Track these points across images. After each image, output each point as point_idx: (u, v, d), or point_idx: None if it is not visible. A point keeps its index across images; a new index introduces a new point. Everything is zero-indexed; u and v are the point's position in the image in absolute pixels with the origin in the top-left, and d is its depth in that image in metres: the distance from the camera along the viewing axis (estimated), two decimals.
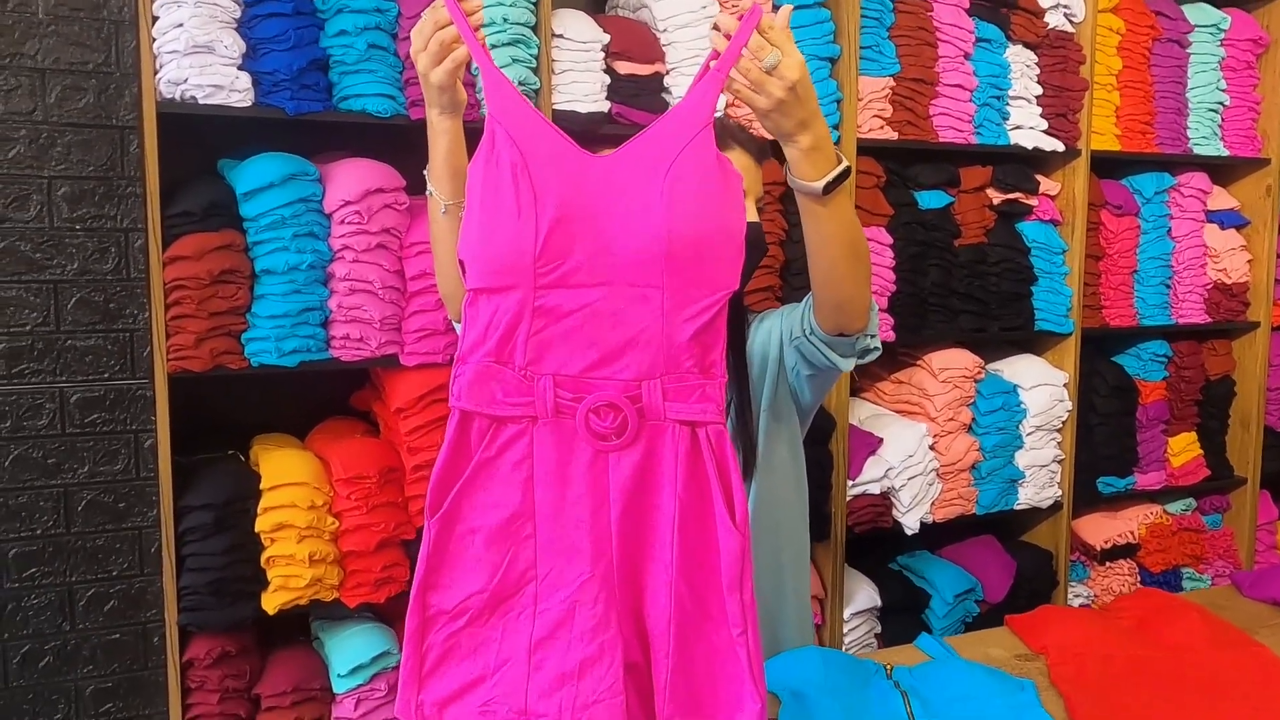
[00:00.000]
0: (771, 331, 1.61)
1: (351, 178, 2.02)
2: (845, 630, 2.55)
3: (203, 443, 2.12)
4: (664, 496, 1.11)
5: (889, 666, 1.54)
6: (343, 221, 2.01)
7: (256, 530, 1.99)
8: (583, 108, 2.20)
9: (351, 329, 2.04)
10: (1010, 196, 2.72)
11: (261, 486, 2.01)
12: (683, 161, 1.08)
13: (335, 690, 2.08)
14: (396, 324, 2.09)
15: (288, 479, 2.02)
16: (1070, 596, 2.90)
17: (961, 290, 2.65)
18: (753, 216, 1.49)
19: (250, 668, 2.05)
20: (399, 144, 2.08)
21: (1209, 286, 3.06)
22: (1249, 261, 3.12)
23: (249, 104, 1.93)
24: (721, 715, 1.10)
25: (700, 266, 1.09)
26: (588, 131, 2.22)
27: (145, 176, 1.86)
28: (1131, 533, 2.96)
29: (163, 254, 1.90)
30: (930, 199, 2.60)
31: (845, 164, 1.28)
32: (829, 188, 1.27)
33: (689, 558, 1.10)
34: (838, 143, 2.44)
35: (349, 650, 2.10)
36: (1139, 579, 2.99)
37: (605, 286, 1.09)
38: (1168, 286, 3.00)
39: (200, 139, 2.03)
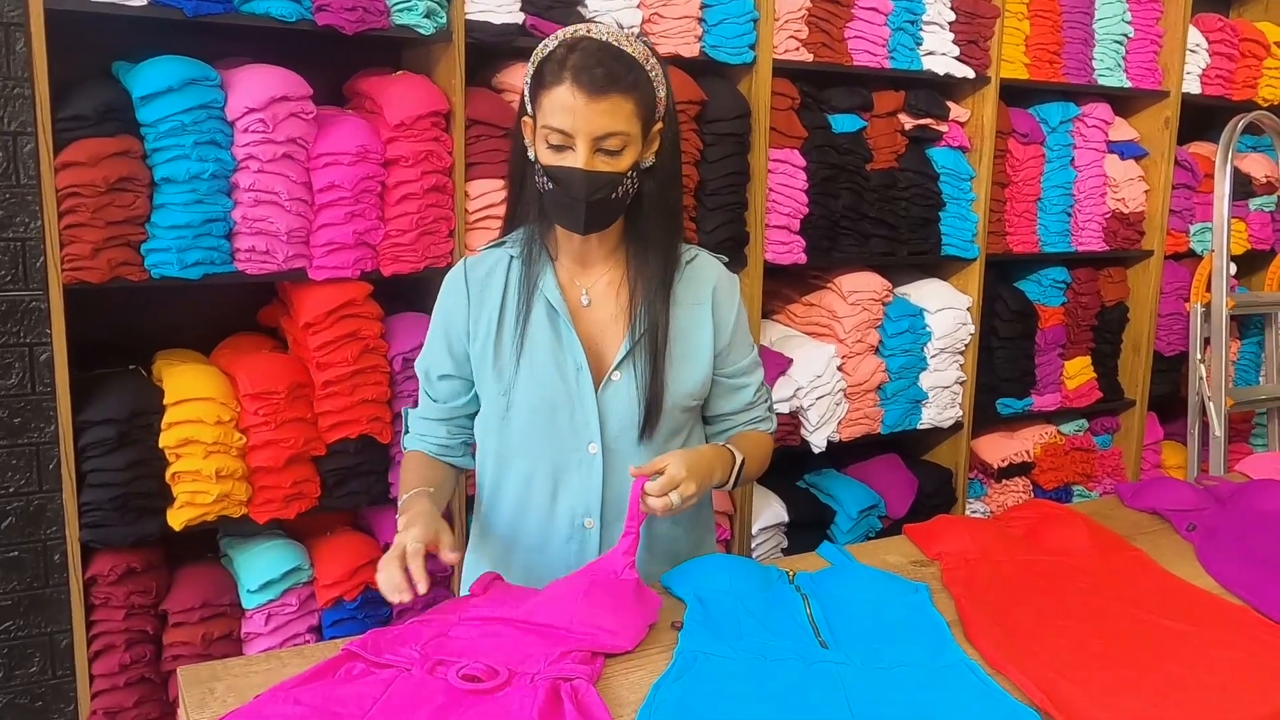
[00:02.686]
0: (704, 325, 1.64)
1: (255, 84, 1.95)
2: (753, 545, 2.62)
3: (103, 358, 2.06)
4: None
5: (791, 572, 1.59)
6: (247, 130, 1.95)
7: (161, 446, 1.96)
8: (496, 19, 2.16)
9: (257, 241, 2.00)
10: (921, 122, 2.76)
11: (165, 402, 1.97)
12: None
13: (245, 606, 2.07)
14: (304, 237, 2.05)
15: (193, 394, 1.99)
16: (968, 512, 3.02)
17: (872, 215, 2.70)
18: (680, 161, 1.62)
19: (157, 584, 2.03)
20: (304, 51, 2.02)
21: (1107, 215, 3.16)
22: (1146, 192, 3.22)
23: (145, 3, 1.85)
24: None
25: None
26: (501, 44, 2.18)
27: (34, 77, 1.78)
28: (1027, 452, 3.08)
29: (54, 159, 1.82)
30: (844, 123, 2.63)
31: (739, 459, 1.60)
32: (737, 480, 1.60)
33: None
34: (753, 64, 2.44)
35: (258, 566, 2.09)
36: (1033, 495, 3.12)
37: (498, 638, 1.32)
38: (1069, 215, 3.09)
39: (93, 40, 1.94)
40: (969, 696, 1.25)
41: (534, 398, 1.55)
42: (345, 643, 1.26)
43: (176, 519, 1.98)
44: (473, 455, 1.67)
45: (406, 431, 1.67)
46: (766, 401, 1.74)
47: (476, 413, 1.64)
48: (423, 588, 1.29)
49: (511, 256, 1.59)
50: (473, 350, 1.58)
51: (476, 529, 1.71)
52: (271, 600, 2.09)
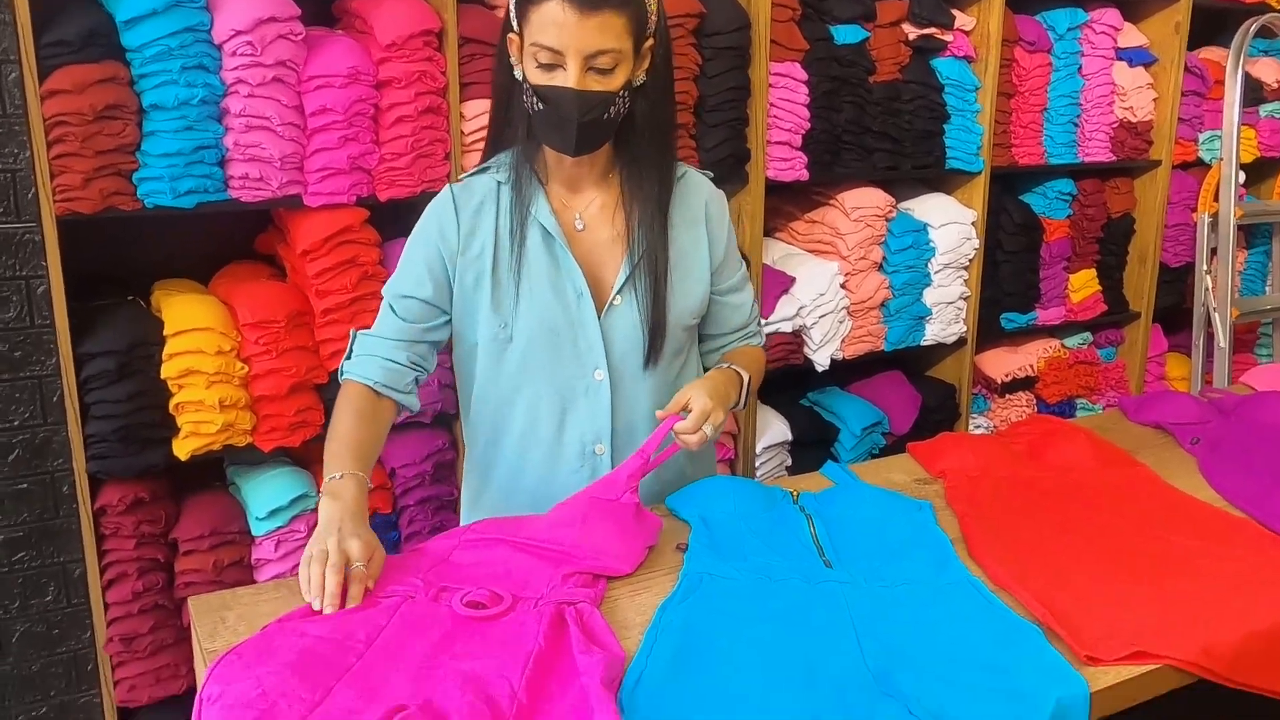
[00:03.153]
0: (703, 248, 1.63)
1: (241, 5, 1.90)
2: (757, 464, 2.63)
3: (100, 289, 2.05)
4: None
5: (795, 492, 1.59)
6: (235, 53, 1.90)
7: (163, 377, 1.96)
8: None
9: (250, 168, 1.97)
10: (926, 32, 2.69)
11: (165, 332, 1.96)
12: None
13: (254, 533, 2.09)
14: (298, 163, 2.02)
15: (192, 324, 1.97)
16: (971, 427, 3.02)
17: (875, 128, 2.65)
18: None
19: (165, 513, 2.05)
20: None
21: (1115, 125, 3.10)
22: (1154, 100, 3.16)
23: None
24: None
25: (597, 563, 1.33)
26: None
27: (14, 2, 1.73)
28: (1031, 366, 3.08)
29: (39, 87, 1.78)
30: (846, 34, 2.56)
31: (746, 377, 1.62)
32: (745, 399, 1.62)
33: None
34: None
35: (266, 493, 2.10)
36: (1036, 409, 3.13)
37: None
38: (1075, 125, 3.03)
39: None
40: (972, 613, 1.26)
41: (535, 327, 1.53)
42: None
43: (182, 449, 1.99)
44: (418, 396, 1.58)
45: (349, 356, 1.54)
46: (757, 316, 1.75)
47: (439, 345, 1.59)
48: (350, 605, 1.21)
49: (499, 183, 1.55)
50: (463, 282, 1.54)
51: (471, 487, 1.69)
52: (280, 527, 2.10)
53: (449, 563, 1.32)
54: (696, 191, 1.62)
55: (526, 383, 1.56)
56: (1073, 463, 1.72)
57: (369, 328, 1.57)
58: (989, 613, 1.26)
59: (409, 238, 1.57)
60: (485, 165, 1.58)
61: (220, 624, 1.25)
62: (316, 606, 1.19)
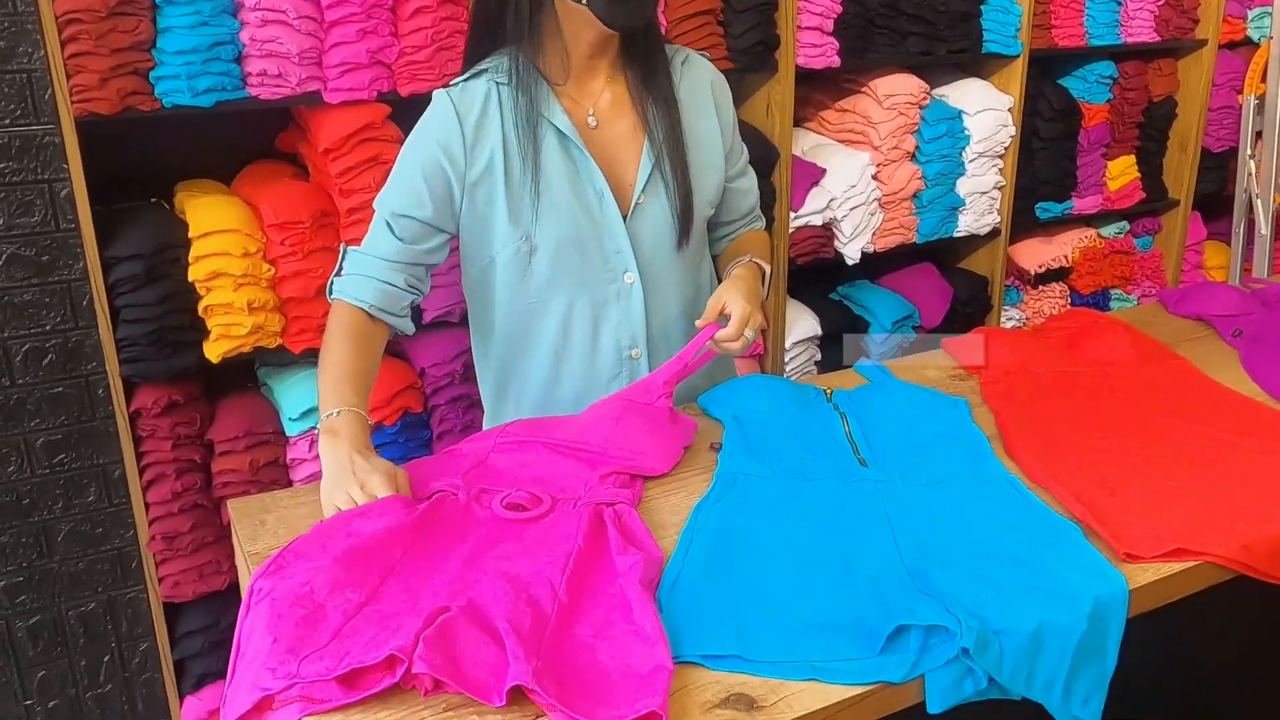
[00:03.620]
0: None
1: None
2: (786, 359, 2.62)
3: (122, 192, 2.03)
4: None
5: (828, 390, 1.58)
6: None
7: (190, 280, 1.95)
8: None
9: (268, 64, 1.92)
10: None
11: (190, 235, 1.95)
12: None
13: (287, 433, 2.11)
14: (316, 58, 1.96)
15: (217, 226, 1.95)
16: (1003, 319, 2.99)
17: (909, 11, 2.54)
18: None
19: (200, 415, 2.06)
20: None
21: (1160, 3, 2.97)
22: None
23: None
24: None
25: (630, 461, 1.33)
26: None
27: None
28: (1065, 256, 3.02)
29: None
30: None
31: (766, 269, 1.61)
32: (767, 292, 1.60)
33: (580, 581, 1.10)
34: None
35: (298, 395, 2.11)
36: (1069, 301, 3.08)
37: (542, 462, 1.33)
38: (1119, 3, 2.91)
39: None
40: (1009, 511, 1.26)
41: (558, 235, 1.48)
42: None
43: (213, 351, 1.99)
44: (413, 320, 1.52)
45: (340, 272, 1.46)
46: (758, 199, 1.72)
47: (436, 266, 1.51)
48: None
49: (498, 85, 1.47)
50: (473, 199, 1.47)
51: (494, 400, 1.65)
52: (313, 427, 2.11)
53: (487, 465, 1.32)
54: (701, 75, 1.58)
55: (555, 294, 1.52)
56: (1111, 357, 1.70)
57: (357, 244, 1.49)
58: (1026, 510, 1.26)
59: (404, 147, 1.48)
60: (478, 69, 1.49)
61: (260, 527, 1.27)
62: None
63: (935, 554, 1.16)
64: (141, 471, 2.02)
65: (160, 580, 2.09)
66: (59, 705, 2.21)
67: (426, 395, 2.24)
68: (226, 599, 2.14)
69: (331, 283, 1.47)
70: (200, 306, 1.97)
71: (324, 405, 1.32)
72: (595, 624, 1.03)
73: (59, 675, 2.20)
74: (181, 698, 2.19)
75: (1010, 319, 3.01)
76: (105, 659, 2.24)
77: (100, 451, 2.14)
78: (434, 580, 1.08)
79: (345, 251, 1.48)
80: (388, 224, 1.46)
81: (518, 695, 0.92)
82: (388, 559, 1.09)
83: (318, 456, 2.12)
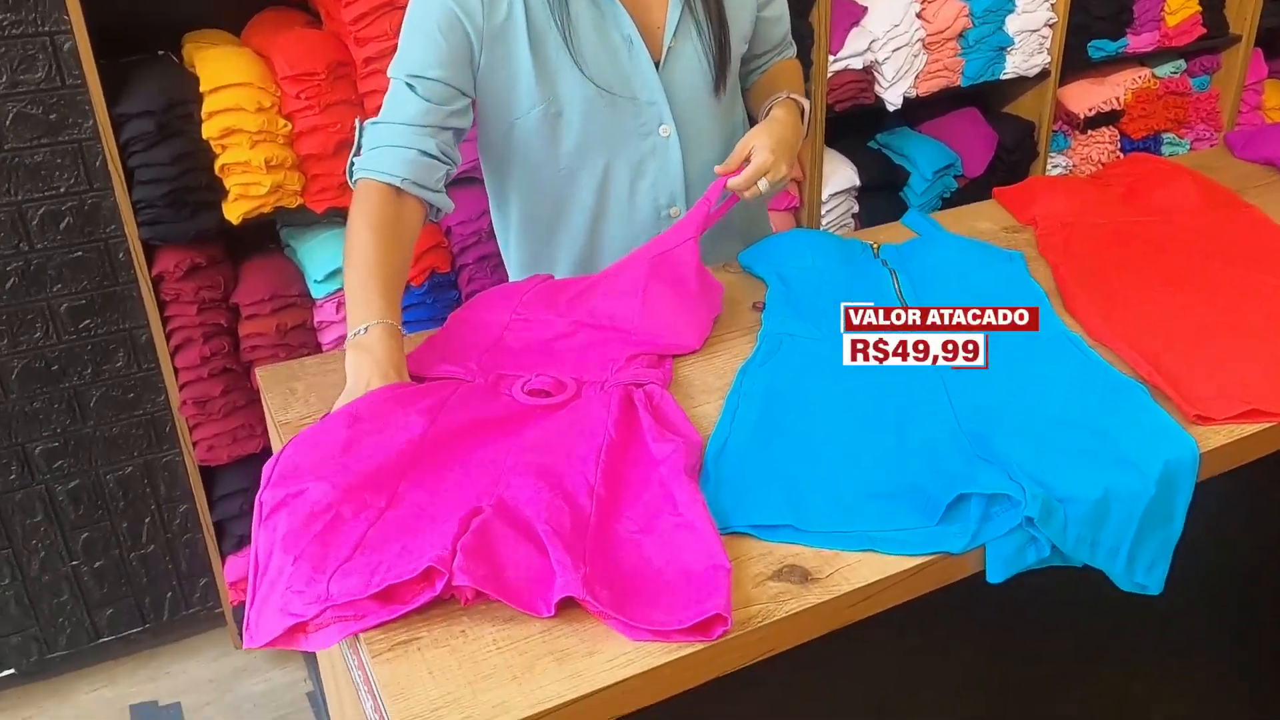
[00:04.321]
0: None
1: None
2: (823, 211, 2.52)
3: (128, 45, 1.92)
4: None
5: (875, 245, 1.51)
6: None
7: (205, 137, 1.87)
8: None
9: None
10: None
11: (202, 89, 1.86)
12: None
13: (314, 295, 2.07)
14: None
15: (230, 80, 1.86)
16: (1049, 168, 2.86)
17: None
18: None
19: (224, 278, 2.02)
20: None
21: None
22: None
23: None
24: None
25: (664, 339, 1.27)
26: None
27: None
28: (1117, 99, 2.87)
29: None
30: None
31: (805, 105, 1.52)
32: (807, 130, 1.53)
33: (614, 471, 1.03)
34: None
35: (322, 255, 2.06)
36: (1119, 146, 2.94)
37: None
38: None
39: None
40: (1072, 371, 1.20)
41: (590, 92, 1.37)
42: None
43: (232, 212, 1.93)
44: (448, 194, 1.37)
45: (359, 150, 1.30)
46: (789, 26, 1.62)
47: (463, 134, 1.38)
48: None
49: None
50: (493, 56, 1.34)
51: (522, 268, 1.56)
52: (340, 289, 2.07)
53: (502, 346, 1.25)
54: None
55: (586, 159, 1.42)
56: (1176, 205, 1.60)
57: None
58: (1090, 370, 1.20)
59: (411, 3, 1.34)
60: None
61: (290, 395, 1.23)
62: None
63: (994, 418, 1.11)
64: (168, 336, 1.99)
65: (195, 444, 2.09)
66: (105, 566, 2.25)
67: (454, 254, 2.18)
68: (262, 461, 2.12)
69: (351, 164, 1.30)
70: (216, 165, 1.89)
71: (351, 316, 1.18)
72: (639, 519, 0.97)
73: (102, 537, 2.23)
74: (223, 558, 2.22)
75: (1056, 166, 2.88)
76: (146, 520, 2.26)
77: (126, 316, 2.10)
78: (457, 478, 1.01)
79: (362, 127, 1.32)
80: (408, 85, 1.31)
81: (566, 601, 0.87)
82: (403, 456, 1.02)
83: (345, 319, 2.11)
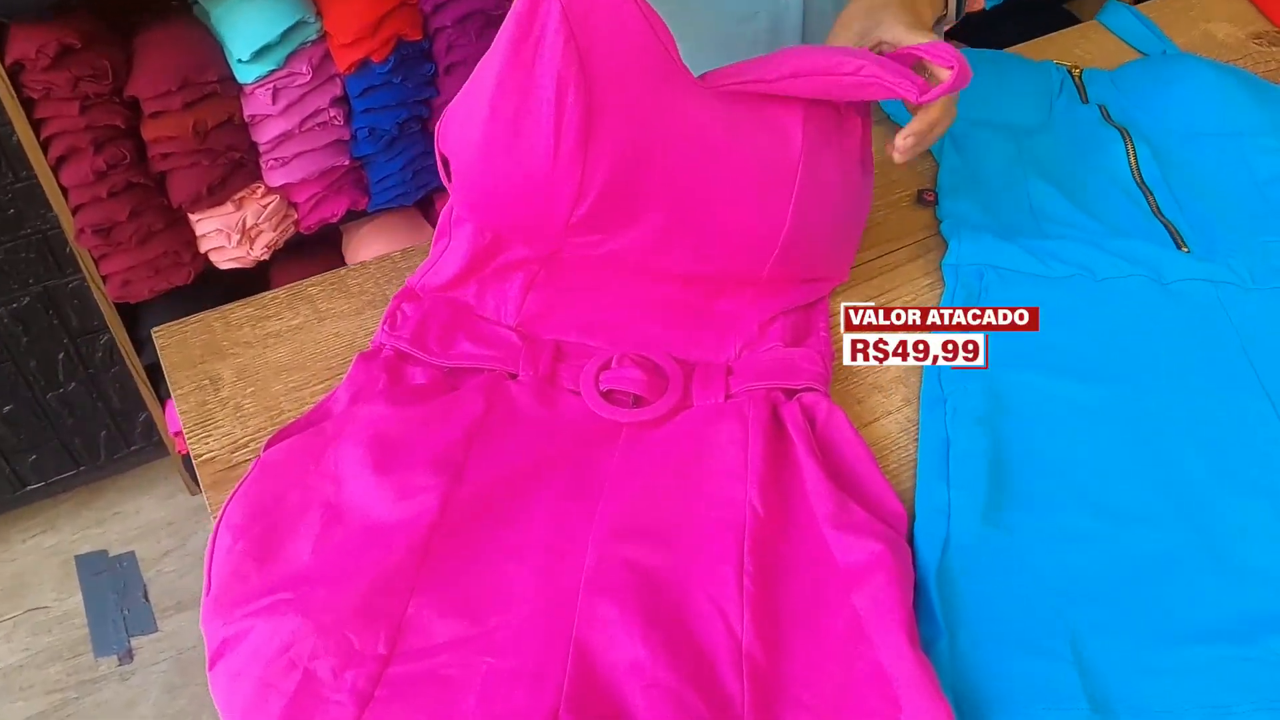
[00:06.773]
0: None
1: None
2: None
3: None
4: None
5: (1075, 70, 1.01)
6: None
7: None
8: None
9: None
10: None
11: None
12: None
13: (240, 80, 1.52)
14: None
15: None
16: None
17: None
18: None
19: (111, 63, 1.45)
20: None
21: None
22: None
23: None
24: None
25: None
26: None
27: None
28: None
29: None
30: None
31: None
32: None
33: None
34: None
35: (247, 26, 1.50)
36: None
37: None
38: None
39: None
40: None
41: None
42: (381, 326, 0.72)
43: None
44: None
45: None
46: None
47: None
48: None
49: None
50: None
51: None
52: (275, 70, 1.52)
53: (557, 276, 0.75)
54: None
55: None
56: None
57: None
58: None
59: None
60: None
61: (210, 391, 0.77)
62: None
63: None
64: (45, 147, 1.47)
65: (105, 280, 1.63)
66: (16, 409, 1.86)
67: (425, 15, 1.62)
68: (196, 293, 1.68)
69: None
70: None
71: None
72: (819, 692, 0.56)
73: (6, 379, 1.83)
74: (162, 402, 1.83)
75: None
76: (60, 356, 1.85)
77: None
78: (506, 587, 0.59)
79: None
80: None
81: None
82: (414, 548, 0.59)
83: (285, 110, 1.59)
